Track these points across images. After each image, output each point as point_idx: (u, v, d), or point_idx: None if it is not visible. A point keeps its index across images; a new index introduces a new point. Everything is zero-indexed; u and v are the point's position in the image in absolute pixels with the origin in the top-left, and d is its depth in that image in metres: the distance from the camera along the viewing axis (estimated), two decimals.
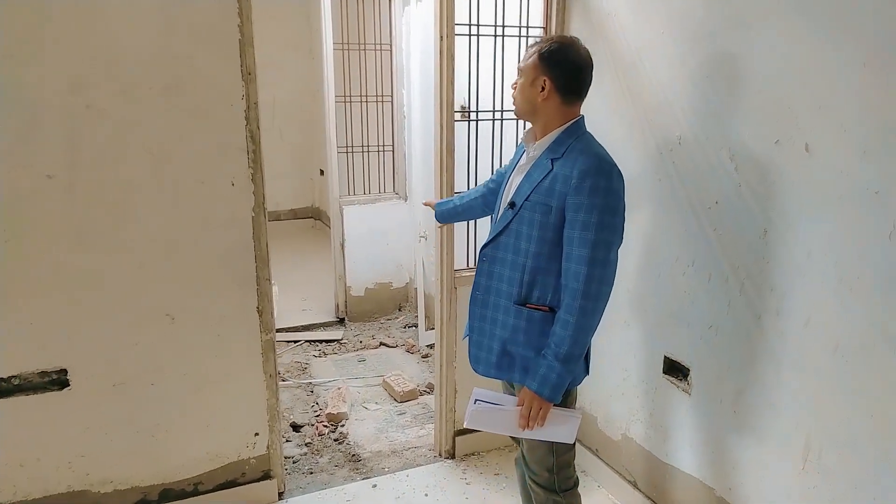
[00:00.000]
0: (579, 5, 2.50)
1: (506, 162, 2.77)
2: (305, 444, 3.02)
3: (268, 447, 2.50)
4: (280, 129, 7.10)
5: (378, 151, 4.46)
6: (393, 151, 4.47)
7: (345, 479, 2.72)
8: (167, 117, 2.11)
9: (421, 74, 4.06)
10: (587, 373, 1.91)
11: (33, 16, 1.91)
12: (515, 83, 1.82)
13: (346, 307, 4.48)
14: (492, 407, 1.79)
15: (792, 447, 1.77)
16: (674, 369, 2.21)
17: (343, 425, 3.18)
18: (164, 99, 2.09)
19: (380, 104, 4.39)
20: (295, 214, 7.34)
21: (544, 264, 1.76)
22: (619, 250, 1.72)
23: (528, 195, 1.76)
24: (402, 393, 3.39)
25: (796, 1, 1.65)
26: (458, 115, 2.61)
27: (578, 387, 1.92)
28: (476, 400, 1.80)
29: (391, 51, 4.29)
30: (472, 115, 2.69)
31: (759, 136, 1.79)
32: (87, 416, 2.21)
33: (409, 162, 4.41)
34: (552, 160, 1.75)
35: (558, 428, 1.78)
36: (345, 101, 4.30)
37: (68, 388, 2.17)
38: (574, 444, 1.96)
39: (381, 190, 4.47)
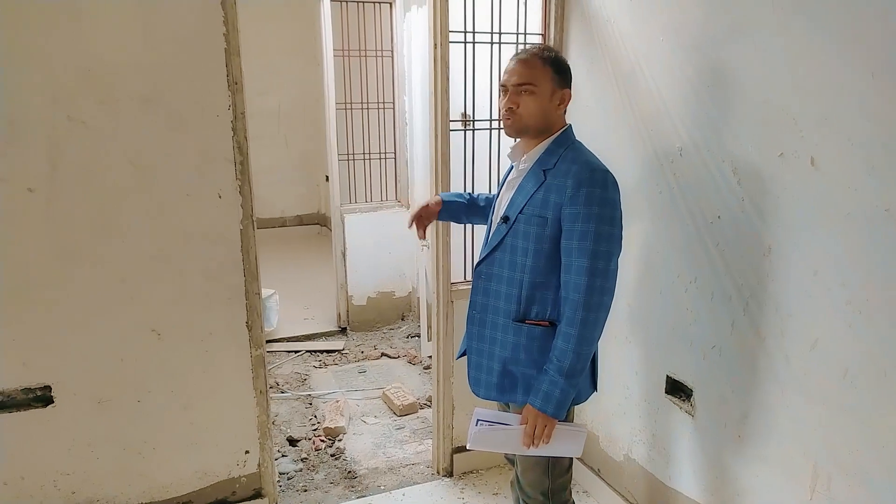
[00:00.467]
0: (577, 12, 2.42)
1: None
2: (301, 460, 2.96)
3: (259, 465, 2.44)
4: (286, 135, 7.08)
5: (380, 159, 4.40)
6: (395, 159, 4.41)
7: (339, 497, 2.65)
8: (150, 128, 2.06)
9: (422, 81, 3.99)
10: (595, 388, 1.86)
11: (11, 27, 1.86)
12: (514, 101, 1.69)
13: (347, 316, 4.42)
14: (495, 427, 1.73)
15: (799, 475, 1.68)
16: (676, 389, 2.12)
17: (340, 440, 3.11)
18: (146, 110, 2.04)
19: (381, 111, 4.34)
20: (301, 221, 7.30)
21: (542, 278, 1.71)
22: (618, 259, 1.67)
23: (522, 208, 1.71)
24: (401, 406, 3.32)
25: (800, 7, 1.56)
26: (457, 124, 2.55)
27: (584, 403, 1.86)
28: (478, 420, 1.74)
29: (392, 57, 4.23)
30: (471, 125, 2.62)
31: (762, 149, 1.70)
32: (73, 433, 2.16)
33: (412, 169, 4.35)
34: (545, 171, 1.71)
35: (564, 444, 1.73)
36: (346, 108, 4.25)
37: (52, 404, 2.12)
38: (571, 467, 1.89)
39: (383, 198, 4.41)
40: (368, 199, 4.36)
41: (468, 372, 1.88)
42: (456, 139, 2.58)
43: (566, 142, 1.74)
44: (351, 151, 4.35)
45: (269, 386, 3.64)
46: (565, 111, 1.77)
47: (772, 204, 1.69)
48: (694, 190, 1.95)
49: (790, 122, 1.61)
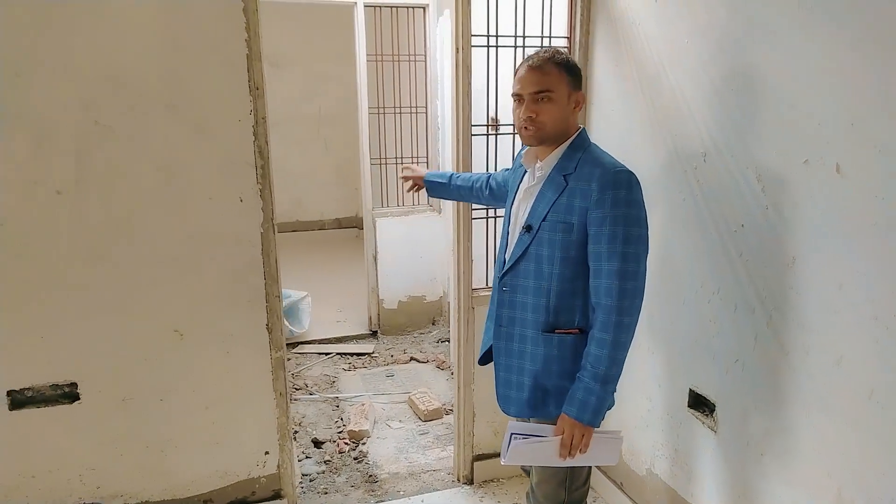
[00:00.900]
0: (604, 14, 2.37)
1: None
2: (325, 462, 2.97)
3: (278, 466, 2.46)
4: (325, 139, 7.17)
5: (412, 163, 4.40)
6: (427, 163, 4.41)
7: (358, 500, 2.66)
8: (174, 133, 2.10)
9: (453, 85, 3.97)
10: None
11: (42, 36, 1.93)
12: (535, 110, 1.66)
13: (378, 320, 4.43)
14: (530, 440, 1.68)
15: (823, 499, 1.60)
16: (699, 403, 2.05)
17: (364, 443, 3.12)
18: (171, 115, 2.08)
19: (414, 115, 4.34)
20: (339, 224, 7.38)
21: (569, 286, 1.68)
22: (647, 260, 1.64)
23: (545, 215, 1.69)
24: (426, 412, 3.31)
25: (827, 9, 1.49)
26: (481, 129, 2.53)
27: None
28: (512, 434, 1.69)
29: (425, 62, 4.23)
30: (493, 129, 2.59)
31: (787, 155, 1.63)
32: (97, 429, 2.22)
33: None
34: (565, 176, 1.68)
35: (600, 452, 1.69)
36: (378, 113, 4.27)
37: (78, 401, 2.18)
38: (588, 480, 1.85)
39: (415, 202, 4.41)
40: (400, 204, 4.37)
41: (496, 389, 1.85)
42: (481, 144, 2.56)
43: (582, 145, 1.72)
44: (383, 155, 4.37)
45: (297, 387, 3.71)
46: (576, 113, 1.75)
47: (796, 212, 1.62)
48: (717, 197, 1.88)
49: (815, 127, 1.54)
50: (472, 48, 2.39)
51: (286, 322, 4.20)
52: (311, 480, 2.82)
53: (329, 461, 2.98)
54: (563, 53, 1.72)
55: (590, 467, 1.84)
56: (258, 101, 2.17)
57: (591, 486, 1.89)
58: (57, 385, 2.16)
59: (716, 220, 1.90)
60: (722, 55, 1.82)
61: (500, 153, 2.61)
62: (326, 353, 4.19)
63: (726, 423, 1.92)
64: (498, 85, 2.56)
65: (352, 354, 4.17)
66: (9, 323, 2.06)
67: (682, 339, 2.10)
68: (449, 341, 4.19)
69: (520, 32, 2.50)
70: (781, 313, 1.69)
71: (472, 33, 2.37)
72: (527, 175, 1.81)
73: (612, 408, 1.77)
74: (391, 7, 4.13)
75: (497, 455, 2.70)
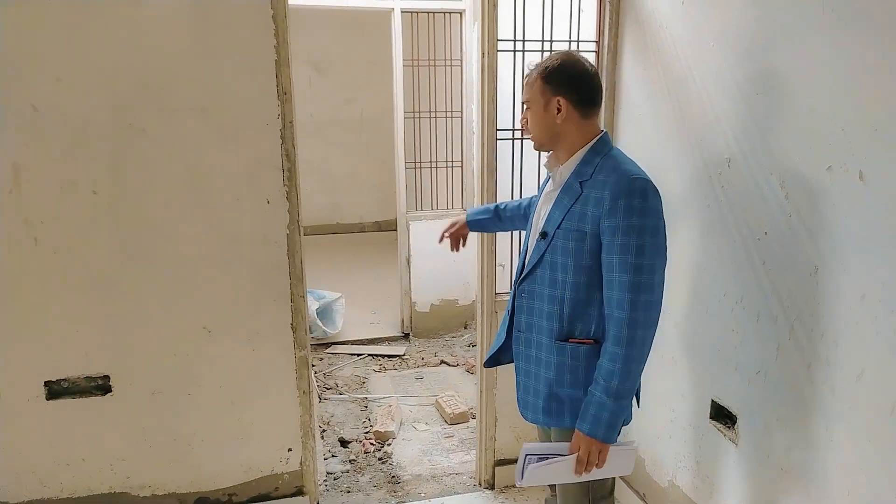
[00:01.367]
0: (632, 18, 2.34)
1: None
2: (350, 461, 3.01)
3: (301, 463, 2.50)
4: (366, 143, 7.26)
5: (446, 167, 4.43)
6: (462, 167, 4.42)
7: (379, 500, 2.68)
8: (205, 136, 2.17)
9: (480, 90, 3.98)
10: (637, 405, 1.81)
11: (81, 42, 2.01)
12: (524, 118, 1.75)
13: (411, 322, 4.46)
14: (545, 460, 1.65)
15: None
16: (721, 415, 2.00)
17: (389, 444, 3.14)
18: (201, 118, 2.15)
19: (449, 119, 4.36)
20: (378, 227, 7.46)
21: (584, 295, 1.65)
22: (664, 272, 1.59)
23: (560, 222, 1.66)
24: (452, 415, 3.32)
25: (851, 13, 1.44)
26: (506, 133, 2.53)
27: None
28: (527, 455, 1.67)
29: (461, 66, 4.25)
30: (518, 134, 2.58)
31: (810, 161, 1.58)
32: (128, 421, 2.30)
33: (476, 178, 4.34)
34: (581, 182, 1.65)
35: (615, 463, 1.67)
36: (414, 117, 4.31)
37: (111, 393, 2.27)
38: (613, 491, 1.82)
39: (449, 206, 4.43)
40: (434, 207, 4.39)
41: (517, 393, 1.84)
42: (507, 149, 2.56)
43: (602, 150, 1.67)
44: (419, 159, 4.40)
45: (327, 387, 3.76)
46: (582, 117, 1.66)
47: (819, 220, 1.57)
48: (742, 203, 1.84)
49: (839, 133, 1.49)
50: (499, 52, 2.39)
51: (320, 322, 4.27)
52: (335, 479, 2.86)
53: (354, 460, 3.01)
54: (553, 59, 1.68)
55: (614, 477, 1.82)
56: (286, 105, 2.22)
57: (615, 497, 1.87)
58: (91, 377, 2.25)
59: (740, 227, 1.85)
60: (747, 59, 1.78)
61: (525, 158, 2.60)
62: (358, 354, 4.24)
63: (747, 435, 1.87)
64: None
65: (383, 356, 4.21)
66: (46, 316, 2.16)
67: (705, 348, 2.05)
68: None
69: (547, 37, 2.48)
70: (803, 324, 1.64)
71: (499, 38, 2.38)
72: (550, 179, 1.80)
73: (630, 423, 1.75)
74: (428, 13, 4.16)
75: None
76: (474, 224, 2.21)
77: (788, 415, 1.71)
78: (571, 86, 1.65)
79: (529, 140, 1.78)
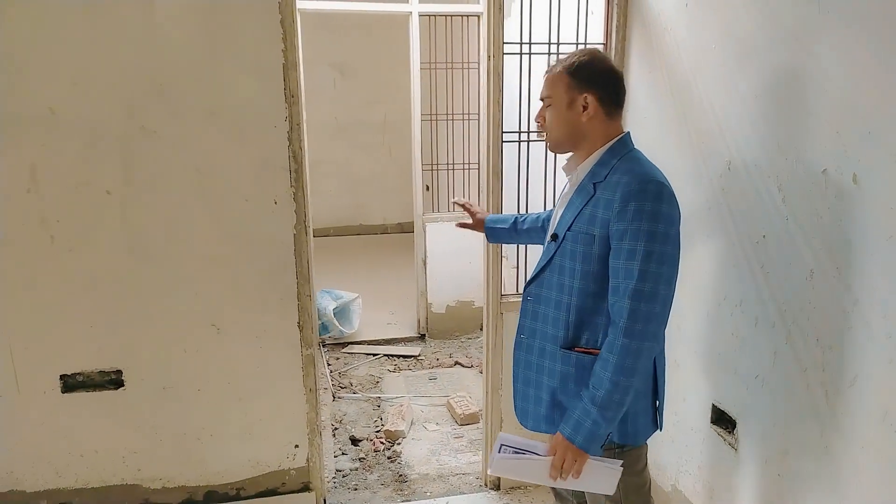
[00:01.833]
0: (639, 20, 2.34)
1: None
2: (360, 459, 3.05)
3: (307, 460, 2.54)
4: (389, 145, 7.31)
5: (463, 169, 4.45)
6: (479, 169, 4.43)
7: (385, 499, 2.71)
8: (213, 138, 2.22)
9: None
10: (658, 427, 1.67)
11: (95, 47, 2.08)
12: (541, 115, 1.66)
13: (427, 323, 4.49)
14: (519, 454, 1.57)
15: None
16: (722, 420, 1.98)
17: (399, 443, 3.17)
18: (210, 120, 2.21)
19: (466, 122, 4.38)
20: (401, 229, 7.49)
21: (591, 302, 1.56)
22: (673, 285, 1.48)
23: (570, 224, 1.58)
24: (462, 416, 3.33)
25: (849, 15, 1.43)
26: (513, 136, 2.54)
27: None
28: (501, 446, 1.58)
29: (479, 69, 4.26)
30: (524, 136, 2.59)
31: (806, 164, 1.56)
32: (139, 415, 2.37)
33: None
34: (594, 184, 1.57)
35: (595, 479, 1.55)
36: (431, 119, 4.34)
37: (123, 387, 2.33)
38: (645, 463, 1.71)
39: None
40: (452, 209, 4.41)
41: (514, 401, 1.76)
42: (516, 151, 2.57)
43: (621, 151, 1.58)
44: (436, 161, 4.43)
45: (342, 386, 3.81)
46: (607, 116, 1.58)
47: (814, 224, 1.55)
48: (741, 207, 1.83)
49: (833, 135, 1.48)
50: (506, 55, 2.40)
51: (336, 322, 4.32)
52: (343, 476, 2.89)
53: (364, 458, 3.05)
54: (581, 55, 1.59)
55: (648, 490, 1.72)
56: (293, 107, 2.26)
57: None
58: (104, 371, 2.32)
59: (739, 231, 1.84)
60: (746, 61, 1.77)
61: (532, 160, 2.61)
62: (374, 354, 4.28)
63: (746, 440, 1.86)
64: (531, 92, 2.56)
65: (398, 356, 4.24)
66: (62, 312, 2.24)
67: (705, 352, 2.04)
68: None
69: (554, 39, 2.49)
70: (800, 328, 1.62)
71: (505, 41, 2.39)
72: (568, 181, 1.72)
73: (639, 443, 1.64)
74: (446, 16, 4.18)
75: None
76: (490, 232, 2.15)
77: (785, 420, 1.69)
78: (600, 83, 1.57)
79: (542, 141, 1.69)
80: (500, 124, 2.43)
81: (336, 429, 3.33)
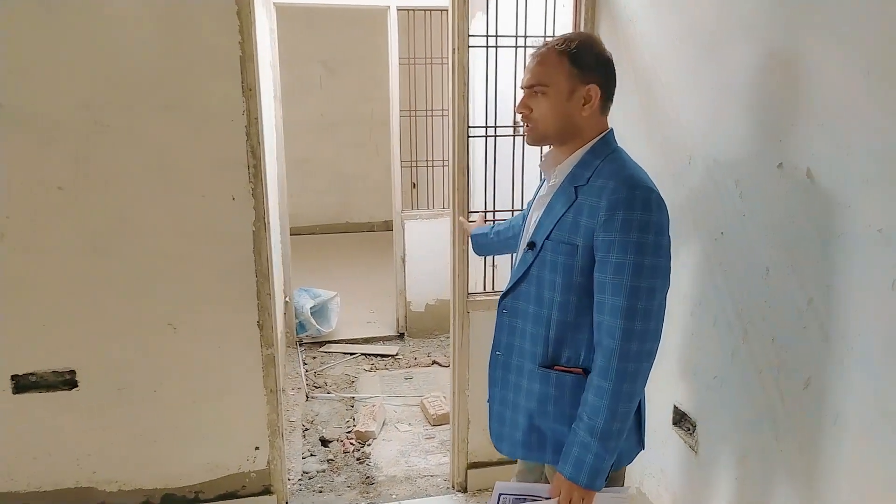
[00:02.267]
0: (606, 12, 2.29)
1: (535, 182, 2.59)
2: (328, 461, 2.99)
3: (268, 462, 2.49)
4: (376, 143, 7.26)
5: (443, 166, 4.39)
6: (443, 165, 4.38)
7: (350, 502, 2.66)
8: (169, 132, 2.16)
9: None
10: (642, 446, 1.57)
11: (47, 39, 2.02)
12: (526, 105, 1.46)
13: (405, 322, 4.44)
14: (521, 502, 1.47)
15: None
16: (683, 421, 1.93)
17: (369, 444, 3.12)
18: (166, 115, 2.15)
19: (446, 118, 4.32)
20: (388, 226, 7.42)
21: (573, 317, 1.43)
22: (666, 297, 1.38)
23: (550, 232, 1.44)
24: (435, 416, 3.28)
25: (804, 4, 1.38)
26: (479, 130, 2.49)
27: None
28: (500, 496, 1.48)
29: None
30: (491, 131, 2.54)
31: (762, 158, 1.52)
32: (94, 416, 2.31)
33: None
34: (576, 188, 1.42)
35: None
36: (410, 116, 4.28)
37: (77, 388, 2.27)
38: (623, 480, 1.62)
39: (445, 205, 4.39)
40: (430, 206, 4.36)
41: (489, 424, 1.63)
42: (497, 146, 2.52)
43: (604, 151, 1.44)
44: (415, 158, 4.38)
45: (316, 385, 3.75)
46: (601, 111, 1.45)
47: (770, 220, 1.50)
48: (701, 203, 1.78)
49: (788, 127, 1.43)
50: (471, 48, 2.35)
51: (314, 321, 4.26)
52: (310, 478, 2.84)
53: (332, 460, 2.99)
54: (578, 38, 1.42)
55: None
56: (251, 101, 2.20)
57: None
58: (57, 372, 2.26)
59: (699, 227, 1.79)
60: (707, 54, 1.72)
61: (499, 155, 2.55)
62: (351, 354, 4.22)
63: (706, 442, 1.81)
64: (497, 86, 2.51)
65: (376, 355, 4.19)
66: (14, 311, 2.18)
67: (667, 352, 1.99)
68: None
69: (521, 32, 2.44)
70: (756, 328, 1.57)
71: (470, 33, 2.34)
72: (545, 181, 1.58)
73: (632, 462, 1.56)
74: (424, 10, 4.13)
75: (493, 464, 2.65)
76: (474, 244, 2.07)
77: (743, 422, 1.64)
78: (603, 73, 1.41)
79: (518, 136, 1.54)
80: (466, 118, 2.37)
81: (307, 429, 3.27)
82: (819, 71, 1.34)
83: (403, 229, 4.28)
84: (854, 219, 1.25)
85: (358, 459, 2.99)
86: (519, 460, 1.74)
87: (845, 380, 1.29)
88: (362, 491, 2.73)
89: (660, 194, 1.37)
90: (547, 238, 1.45)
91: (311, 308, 4.29)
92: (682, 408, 1.92)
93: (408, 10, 4.09)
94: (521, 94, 1.49)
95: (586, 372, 1.43)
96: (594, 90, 1.40)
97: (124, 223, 2.20)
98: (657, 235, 1.33)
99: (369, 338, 4.44)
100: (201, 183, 2.23)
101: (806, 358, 1.40)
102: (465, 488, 2.67)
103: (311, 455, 3.04)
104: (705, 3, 1.72)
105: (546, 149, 1.58)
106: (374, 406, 3.36)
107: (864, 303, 1.24)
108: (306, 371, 3.94)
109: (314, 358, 4.16)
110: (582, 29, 2.38)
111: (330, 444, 3.14)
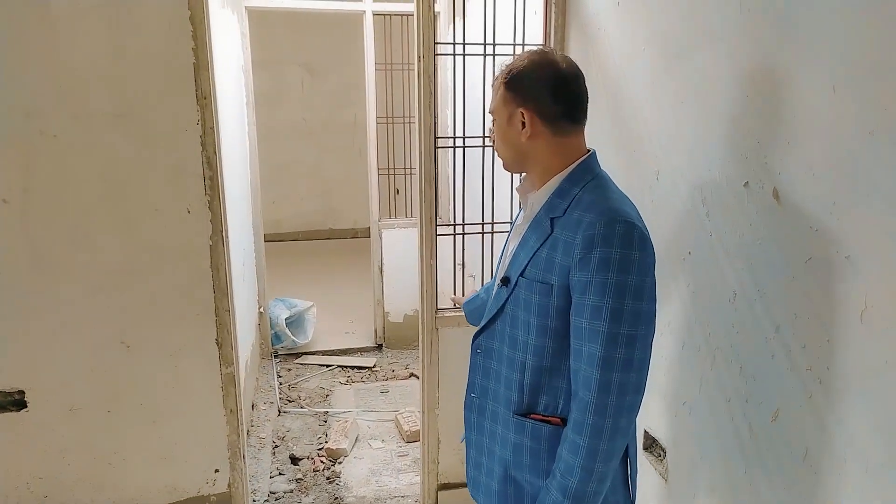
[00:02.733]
0: (576, 20, 2.21)
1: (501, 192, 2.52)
2: (297, 480, 2.90)
3: (229, 485, 2.39)
4: (360, 148, 7.15)
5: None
6: (408, 174, 4.31)
7: None
8: (120, 143, 2.07)
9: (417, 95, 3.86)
10: (632, 500, 1.44)
11: None
12: (491, 131, 1.41)
13: (384, 333, 4.35)
14: None
15: None
16: (654, 447, 1.85)
17: (341, 462, 3.03)
18: (116, 124, 2.06)
19: None
20: (370, 234, 7.35)
21: (549, 362, 1.32)
22: (650, 345, 1.24)
23: (524, 268, 1.32)
24: (408, 433, 3.19)
25: (769, 13, 1.30)
26: (448, 141, 2.41)
27: None
28: None
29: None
30: (459, 142, 2.45)
31: (729, 176, 1.44)
32: (45, 438, 2.21)
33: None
34: (552, 220, 1.30)
35: None
36: (387, 123, 4.20)
37: (26, 409, 2.18)
38: None
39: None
40: (409, 215, 4.28)
41: (467, 469, 1.54)
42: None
43: (584, 178, 1.31)
44: (392, 166, 4.30)
45: (289, 399, 3.65)
46: (554, 133, 1.31)
47: (736, 241, 1.43)
48: (669, 221, 1.70)
49: (755, 144, 1.35)
50: (438, 56, 2.27)
51: (289, 332, 4.17)
52: (277, 499, 2.75)
53: (301, 479, 2.90)
54: (523, 62, 1.33)
55: None
56: (206, 110, 2.12)
57: None
58: (5, 392, 2.16)
59: (668, 246, 1.71)
60: (673, 63, 1.65)
61: (469, 166, 2.47)
62: (328, 366, 4.13)
63: (676, 471, 1.73)
64: (465, 96, 2.43)
65: (352, 367, 4.10)
66: None
67: None
68: None
69: (490, 40, 2.36)
70: (724, 354, 1.49)
71: (437, 41, 2.26)
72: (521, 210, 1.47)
73: None
74: (401, 15, 4.05)
75: (464, 485, 2.56)
76: (468, 314, 1.81)
77: (712, 452, 1.56)
78: (539, 94, 1.30)
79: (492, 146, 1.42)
80: (433, 128, 2.29)
81: (277, 446, 3.18)
82: (786, 86, 1.26)
83: (381, 238, 4.20)
84: (821, 244, 1.18)
85: (328, 479, 2.90)
86: None
87: (814, 415, 1.22)
88: None
89: (644, 230, 1.25)
90: (521, 275, 1.33)
91: (286, 319, 4.19)
92: (653, 433, 1.84)
93: (384, 14, 4.01)
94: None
95: (564, 421, 1.31)
96: (526, 113, 1.30)
97: (73, 236, 2.11)
98: (639, 276, 1.20)
99: (347, 349, 4.35)
100: (154, 195, 2.14)
101: (773, 389, 1.33)
102: None
103: (280, 474, 2.94)
104: (671, 9, 1.64)
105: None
106: (346, 422, 3.26)
107: (833, 333, 1.16)
108: (280, 384, 3.84)
109: (289, 370, 4.06)
110: (553, 37, 2.30)
111: (300, 462, 3.05)
